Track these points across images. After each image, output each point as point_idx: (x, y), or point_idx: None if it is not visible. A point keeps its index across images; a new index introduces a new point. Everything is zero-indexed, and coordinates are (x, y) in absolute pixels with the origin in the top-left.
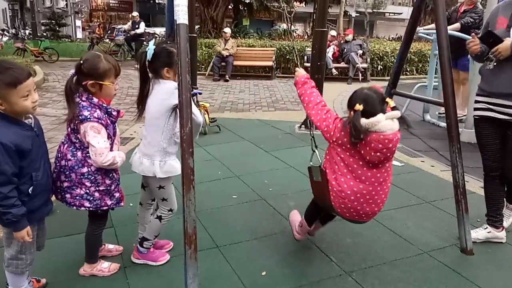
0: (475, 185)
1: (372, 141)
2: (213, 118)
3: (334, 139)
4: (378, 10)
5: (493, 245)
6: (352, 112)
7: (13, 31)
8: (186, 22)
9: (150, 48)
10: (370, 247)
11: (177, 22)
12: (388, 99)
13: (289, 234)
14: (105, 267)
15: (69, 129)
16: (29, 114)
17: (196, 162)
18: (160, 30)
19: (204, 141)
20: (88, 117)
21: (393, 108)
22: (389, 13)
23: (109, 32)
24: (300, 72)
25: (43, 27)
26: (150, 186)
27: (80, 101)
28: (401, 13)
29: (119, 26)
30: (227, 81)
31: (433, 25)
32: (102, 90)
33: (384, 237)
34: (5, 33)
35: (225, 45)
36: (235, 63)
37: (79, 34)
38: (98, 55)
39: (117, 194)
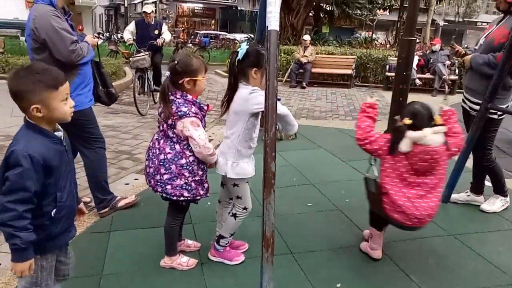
0: None
1: (419, 152)
2: None
3: (384, 152)
4: (469, 19)
5: None
6: (400, 125)
7: (107, 34)
8: (277, 28)
9: (243, 47)
10: (455, 271)
11: (269, 28)
12: (436, 117)
13: None
14: (184, 261)
15: (165, 126)
16: (65, 121)
17: None
18: (240, 37)
19: (280, 147)
20: (187, 112)
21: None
22: (482, 22)
23: (192, 37)
24: (368, 100)
25: None
26: (226, 184)
27: (175, 99)
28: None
29: (202, 32)
30: (304, 88)
31: None
32: (196, 86)
33: (472, 262)
34: (100, 36)
35: (304, 52)
36: (313, 70)
37: None
38: (188, 54)
39: (206, 185)
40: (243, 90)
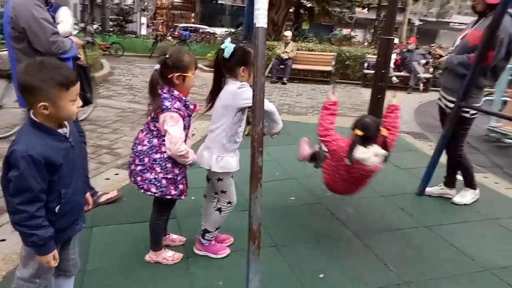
0: None
1: (358, 168)
2: None
3: (331, 150)
4: (443, 20)
5: None
6: (353, 135)
7: (82, 25)
8: (265, 25)
9: (229, 46)
10: (430, 260)
11: (256, 26)
12: (382, 128)
13: (348, 239)
14: (169, 255)
15: (149, 118)
16: (71, 120)
17: None
18: (220, 31)
19: None
20: (169, 107)
21: (384, 139)
22: (454, 22)
23: (171, 30)
24: (330, 97)
25: (110, 23)
26: (211, 178)
27: (162, 93)
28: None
29: (181, 25)
30: (284, 84)
31: None
32: (185, 82)
33: (445, 252)
34: (75, 26)
35: (285, 48)
36: (294, 66)
37: (144, 31)
38: (181, 49)
39: (181, 186)
40: (232, 86)
